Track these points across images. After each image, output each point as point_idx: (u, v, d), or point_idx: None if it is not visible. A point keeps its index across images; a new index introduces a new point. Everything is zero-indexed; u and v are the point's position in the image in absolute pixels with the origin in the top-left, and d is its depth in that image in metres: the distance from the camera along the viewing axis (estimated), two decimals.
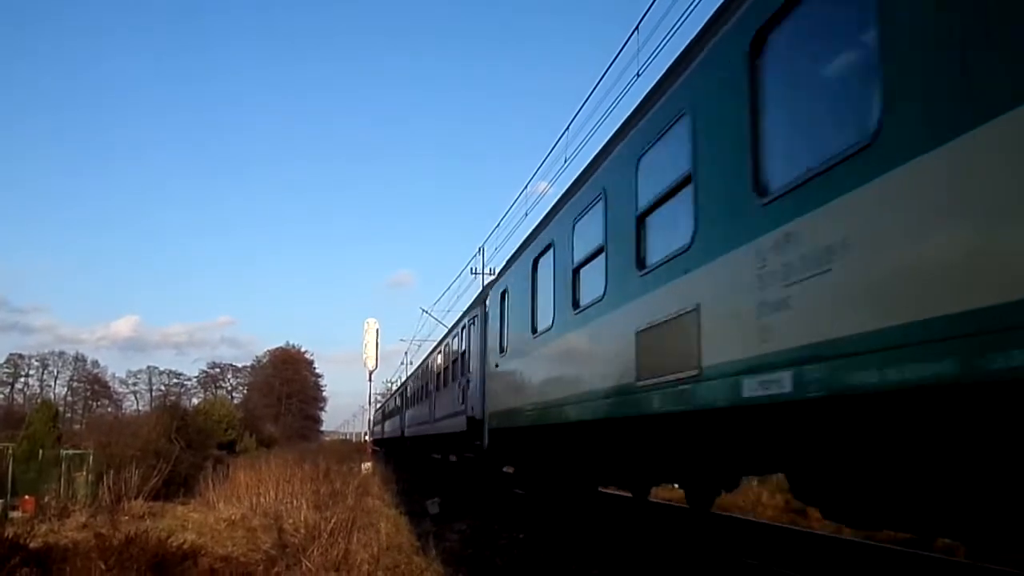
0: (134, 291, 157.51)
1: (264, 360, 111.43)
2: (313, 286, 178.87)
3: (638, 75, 12.67)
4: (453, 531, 11.80)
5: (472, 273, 36.30)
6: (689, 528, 10.72)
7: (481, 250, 34.51)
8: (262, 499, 15.94)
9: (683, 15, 11.35)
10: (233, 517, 14.29)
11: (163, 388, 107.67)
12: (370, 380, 31.67)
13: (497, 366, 12.96)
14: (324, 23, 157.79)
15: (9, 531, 11.50)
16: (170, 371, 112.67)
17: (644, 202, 6.49)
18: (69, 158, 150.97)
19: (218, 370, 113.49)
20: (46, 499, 20.46)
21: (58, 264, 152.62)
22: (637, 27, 12.45)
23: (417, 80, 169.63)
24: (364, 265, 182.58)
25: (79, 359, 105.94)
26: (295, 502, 14.28)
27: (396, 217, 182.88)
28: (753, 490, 16.06)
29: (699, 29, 5.78)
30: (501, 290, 13.07)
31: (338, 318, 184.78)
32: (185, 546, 10.70)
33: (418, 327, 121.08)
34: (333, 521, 10.27)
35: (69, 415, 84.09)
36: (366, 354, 29.84)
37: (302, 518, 12.02)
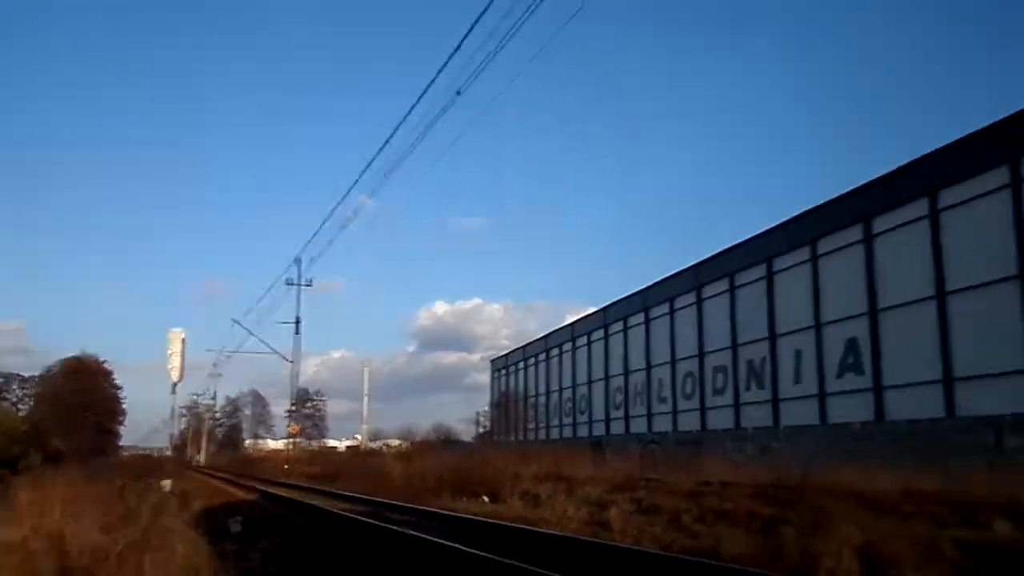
0: None
1: (55, 369, 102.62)
2: (117, 293, 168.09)
3: (459, 92, 13.04)
4: (256, 549, 11.49)
5: (287, 283, 35.36)
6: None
7: (298, 261, 33.77)
8: (45, 520, 14.78)
9: (504, 37, 11.80)
10: (10, 541, 13.15)
11: None
12: (174, 392, 30.26)
13: None
14: None
15: None
16: None
17: None
18: None
19: (2, 380, 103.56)
20: None
21: None
22: (459, 46, 12.83)
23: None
24: (175, 272, 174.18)
25: None
26: (83, 523, 13.34)
27: (210, 225, 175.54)
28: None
29: None
30: None
31: (144, 326, 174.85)
32: None
33: (230, 338, 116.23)
34: (122, 543, 9.72)
35: None
36: (171, 364, 28.57)
37: (89, 540, 11.27)
